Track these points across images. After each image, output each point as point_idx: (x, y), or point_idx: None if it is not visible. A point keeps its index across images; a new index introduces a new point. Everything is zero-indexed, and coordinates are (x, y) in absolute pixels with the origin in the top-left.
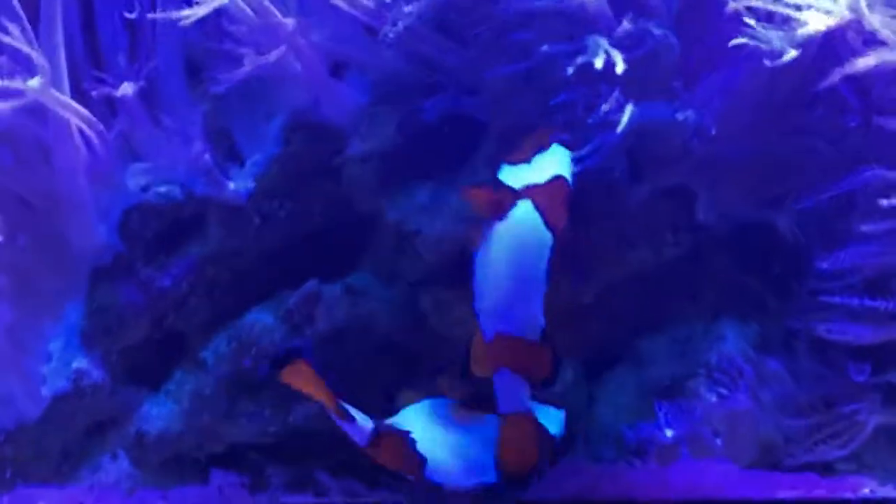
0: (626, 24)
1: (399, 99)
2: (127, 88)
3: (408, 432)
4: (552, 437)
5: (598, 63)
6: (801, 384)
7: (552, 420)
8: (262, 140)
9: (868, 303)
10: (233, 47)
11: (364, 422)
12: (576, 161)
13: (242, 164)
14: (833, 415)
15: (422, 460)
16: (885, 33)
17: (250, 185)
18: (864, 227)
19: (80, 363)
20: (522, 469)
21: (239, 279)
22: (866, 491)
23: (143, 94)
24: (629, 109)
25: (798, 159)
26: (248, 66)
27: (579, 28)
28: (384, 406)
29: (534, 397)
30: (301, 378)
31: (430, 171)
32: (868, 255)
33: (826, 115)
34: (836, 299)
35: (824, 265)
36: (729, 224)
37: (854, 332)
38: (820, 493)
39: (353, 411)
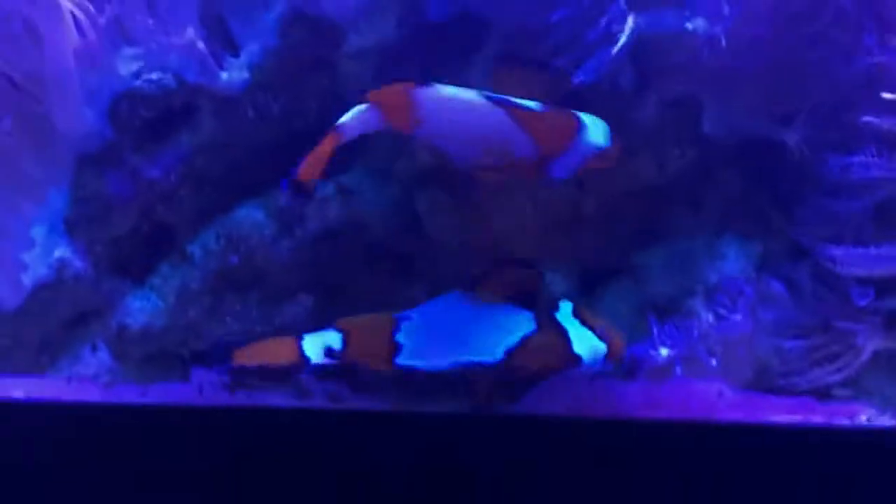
0: None
1: None
2: None
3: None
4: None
5: None
6: (802, 306)
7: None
8: (258, 30)
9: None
10: None
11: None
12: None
13: (237, 54)
14: (831, 337)
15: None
16: None
17: (245, 75)
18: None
19: (62, 252)
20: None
21: (230, 173)
22: (863, 419)
23: None
24: (630, 21)
25: (811, 74)
26: None
27: None
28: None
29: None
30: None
31: (430, 70)
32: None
33: (841, 30)
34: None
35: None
36: (736, 138)
37: (859, 260)
38: (816, 419)
39: None
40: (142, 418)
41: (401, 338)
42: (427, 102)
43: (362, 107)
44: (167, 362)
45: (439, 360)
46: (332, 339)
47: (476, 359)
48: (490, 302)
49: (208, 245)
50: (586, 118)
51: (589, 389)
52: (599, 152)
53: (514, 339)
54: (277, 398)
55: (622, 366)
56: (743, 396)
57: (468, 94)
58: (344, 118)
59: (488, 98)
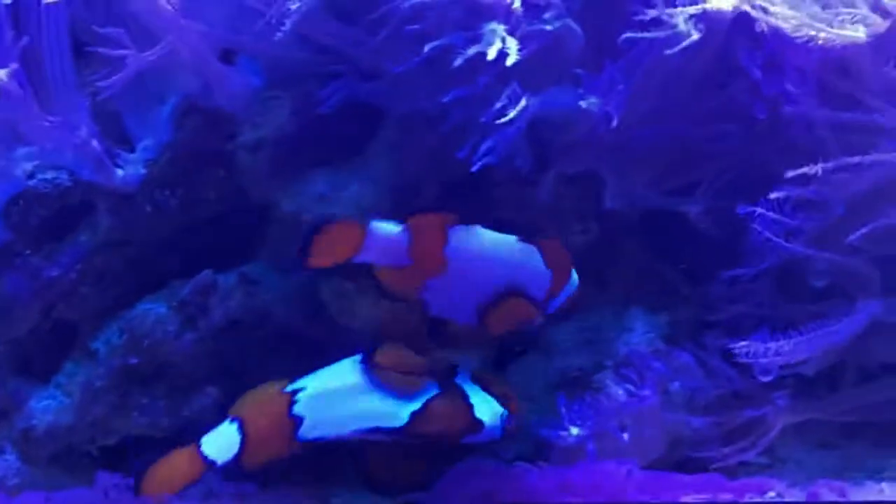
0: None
1: (293, 84)
2: (2, 74)
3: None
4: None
5: (492, 53)
6: (711, 378)
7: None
8: (152, 125)
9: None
10: (117, 34)
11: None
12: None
13: (133, 150)
14: (741, 414)
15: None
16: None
17: (141, 171)
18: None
19: None
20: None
21: (130, 268)
22: (772, 495)
23: (28, 77)
24: (523, 103)
25: (708, 145)
26: (131, 67)
27: (477, 16)
28: None
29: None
30: None
31: (327, 159)
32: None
33: (737, 100)
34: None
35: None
36: (638, 211)
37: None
38: (726, 496)
39: None
40: None
41: (299, 410)
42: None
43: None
44: (75, 461)
45: (341, 430)
46: (229, 431)
47: (381, 424)
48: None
49: (112, 341)
50: None
51: (499, 475)
52: (573, 291)
53: (417, 403)
54: (186, 501)
55: (522, 436)
56: (651, 476)
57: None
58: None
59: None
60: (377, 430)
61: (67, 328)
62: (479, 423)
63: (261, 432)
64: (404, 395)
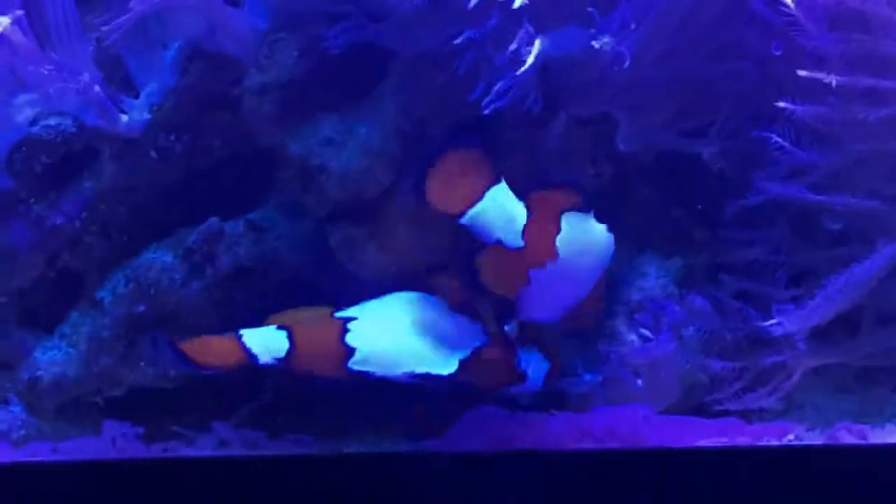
0: None
1: (300, 26)
2: (4, 21)
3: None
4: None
5: None
6: (727, 321)
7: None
8: (157, 70)
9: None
10: None
11: None
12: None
13: (137, 95)
14: (759, 358)
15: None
16: None
17: (145, 117)
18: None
19: None
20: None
21: (136, 216)
22: (790, 437)
23: (30, 22)
24: (538, 45)
25: (722, 85)
26: (135, 10)
27: None
28: None
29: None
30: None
31: (335, 103)
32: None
33: (751, 38)
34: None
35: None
36: (652, 153)
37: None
38: (744, 440)
39: None
40: (54, 477)
41: (352, 340)
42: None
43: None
44: (82, 412)
45: (393, 369)
46: (277, 336)
47: (432, 371)
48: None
49: (118, 290)
50: None
51: (511, 422)
52: None
53: (466, 350)
54: (194, 449)
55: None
56: (667, 421)
57: None
58: None
59: None
60: (427, 376)
61: (72, 277)
62: (523, 375)
63: (312, 347)
64: (455, 341)
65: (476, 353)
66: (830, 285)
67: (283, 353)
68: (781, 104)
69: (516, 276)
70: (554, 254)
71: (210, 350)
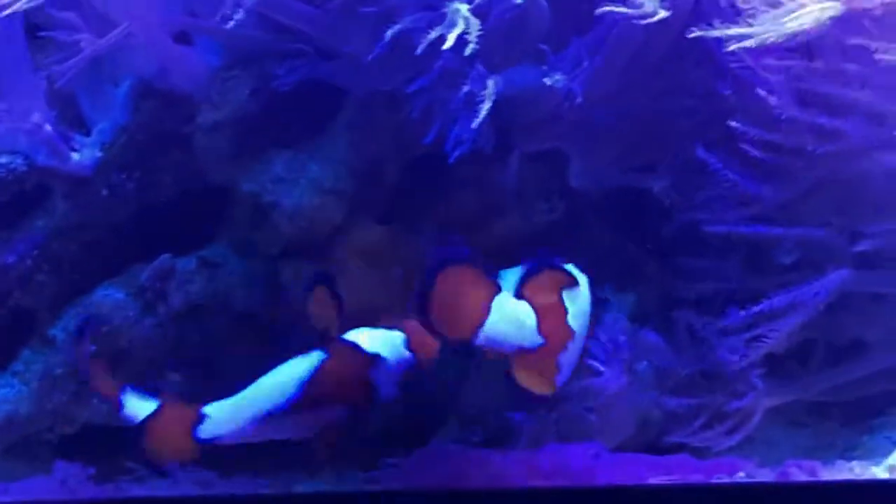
0: None
1: (252, 64)
2: None
3: None
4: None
5: (451, 38)
6: (680, 357)
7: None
8: (108, 108)
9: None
10: (71, 18)
11: None
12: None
13: (88, 133)
14: (716, 396)
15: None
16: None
17: (97, 154)
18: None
19: None
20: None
21: (88, 253)
22: (742, 475)
23: None
24: (491, 86)
25: (672, 121)
26: (86, 51)
27: None
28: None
29: None
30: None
31: (287, 140)
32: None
33: (699, 76)
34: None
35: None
36: (604, 188)
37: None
38: (696, 477)
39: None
40: None
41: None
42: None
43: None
44: (33, 450)
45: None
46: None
47: (271, 406)
48: None
49: (70, 327)
50: None
51: (465, 460)
52: None
53: (305, 370)
54: (145, 489)
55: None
56: (619, 458)
57: None
58: None
59: None
60: (271, 412)
61: (24, 315)
62: (376, 357)
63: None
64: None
65: (316, 368)
66: (776, 302)
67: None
68: (733, 123)
69: (548, 370)
70: (571, 333)
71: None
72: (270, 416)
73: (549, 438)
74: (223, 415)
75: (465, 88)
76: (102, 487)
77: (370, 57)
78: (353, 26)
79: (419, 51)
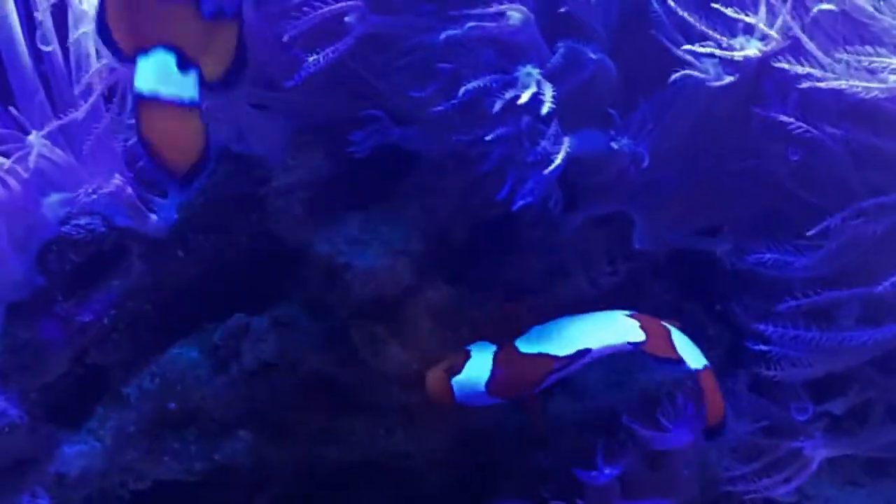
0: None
1: (326, 128)
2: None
3: None
4: None
5: (525, 97)
6: (742, 416)
7: None
8: None
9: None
10: None
11: None
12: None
13: (165, 195)
14: (776, 449)
15: None
16: (820, 58)
17: (174, 216)
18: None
19: None
20: None
21: (162, 313)
22: None
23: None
24: (566, 144)
25: (737, 184)
26: None
27: (510, 57)
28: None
29: None
30: None
31: (360, 202)
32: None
33: (766, 139)
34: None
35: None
36: (667, 251)
37: (795, 368)
38: None
39: None
40: None
41: None
42: None
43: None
44: None
45: None
46: None
47: None
48: None
49: (144, 385)
50: None
51: None
52: None
53: None
54: None
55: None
56: None
57: None
58: None
59: None
60: None
61: (99, 374)
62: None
63: None
64: None
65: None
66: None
67: None
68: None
69: None
70: None
71: None
72: None
73: (614, 496)
74: None
75: (540, 147)
76: None
77: (440, 116)
78: (426, 88)
79: (496, 109)
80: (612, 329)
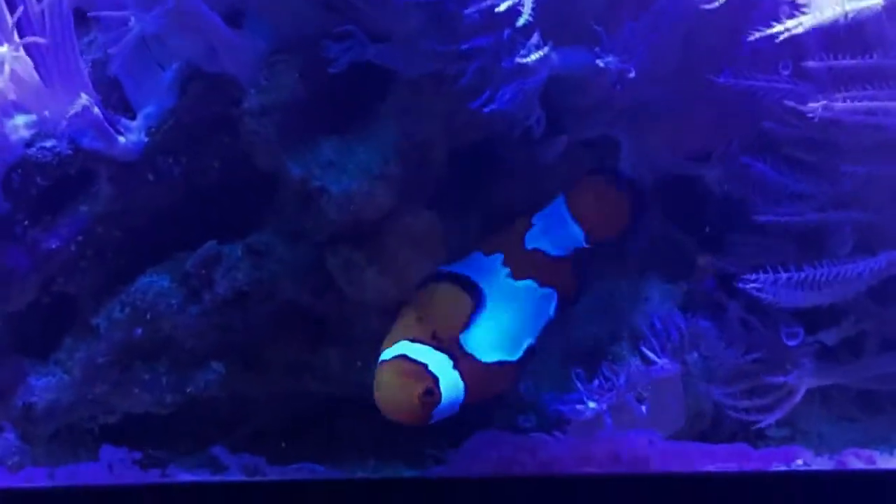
0: None
1: (300, 47)
2: (3, 51)
3: None
4: None
5: (504, 6)
6: (731, 346)
7: None
8: (155, 91)
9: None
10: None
11: None
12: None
13: (133, 117)
14: (763, 377)
15: None
16: None
17: (143, 139)
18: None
19: None
20: None
21: (132, 240)
22: (799, 462)
23: (28, 43)
24: (546, 51)
25: (727, 107)
26: (135, 30)
27: None
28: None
29: None
30: None
31: (336, 125)
32: (801, 211)
33: (756, 63)
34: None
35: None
36: (655, 176)
37: (786, 297)
38: (752, 465)
39: None
40: (51, 501)
41: None
42: None
43: None
44: (77, 439)
45: None
46: None
47: None
48: None
49: (113, 315)
50: None
51: (519, 445)
52: None
53: None
54: (192, 474)
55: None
56: (674, 446)
57: None
58: None
59: None
60: None
61: (67, 302)
62: None
63: None
64: None
65: None
66: (820, 273)
67: None
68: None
69: None
70: None
71: None
72: None
73: (601, 427)
74: None
75: (519, 58)
76: (149, 472)
77: (416, 31)
78: (402, 4)
79: (469, 10)
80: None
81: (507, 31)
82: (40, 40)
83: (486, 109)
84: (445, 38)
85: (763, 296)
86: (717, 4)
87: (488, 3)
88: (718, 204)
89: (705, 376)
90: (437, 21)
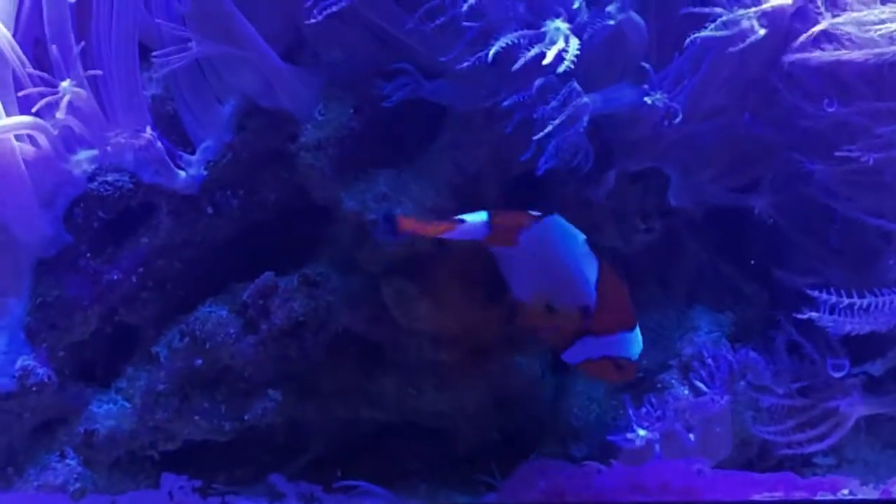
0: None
1: (356, 84)
2: (66, 86)
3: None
4: None
5: (550, 55)
6: (780, 375)
7: None
8: (213, 126)
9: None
10: (179, 29)
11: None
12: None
13: (193, 151)
14: (812, 407)
15: None
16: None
17: (202, 172)
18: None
19: (25, 360)
20: None
21: (191, 271)
22: (845, 492)
23: (91, 78)
24: (583, 100)
25: (774, 139)
26: (192, 52)
27: (540, 11)
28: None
29: None
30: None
31: (389, 158)
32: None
33: (801, 94)
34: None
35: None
36: (703, 208)
37: (838, 324)
38: (799, 494)
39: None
40: None
41: None
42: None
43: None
44: (137, 465)
45: None
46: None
47: None
48: None
49: (173, 344)
50: None
51: (568, 474)
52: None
53: None
54: (250, 502)
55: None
56: (721, 475)
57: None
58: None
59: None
60: None
61: (128, 332)
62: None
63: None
64: None
65: None
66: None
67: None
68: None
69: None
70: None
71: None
72: None
73: (649, 456)
74: None
75: (556, 104)
76: (209, 500)
77: (469, 71)
78: (456, 43)
79: (516, 67)
80: None
81: (545, 79)
82: (97, 73)
83: (539, 169)
84: (497, 77)
85: (821, 322)
86: (757, 38)
87: (539, 49)
88: (767, 233)
89: (754, 405)
90: (488, 61)
